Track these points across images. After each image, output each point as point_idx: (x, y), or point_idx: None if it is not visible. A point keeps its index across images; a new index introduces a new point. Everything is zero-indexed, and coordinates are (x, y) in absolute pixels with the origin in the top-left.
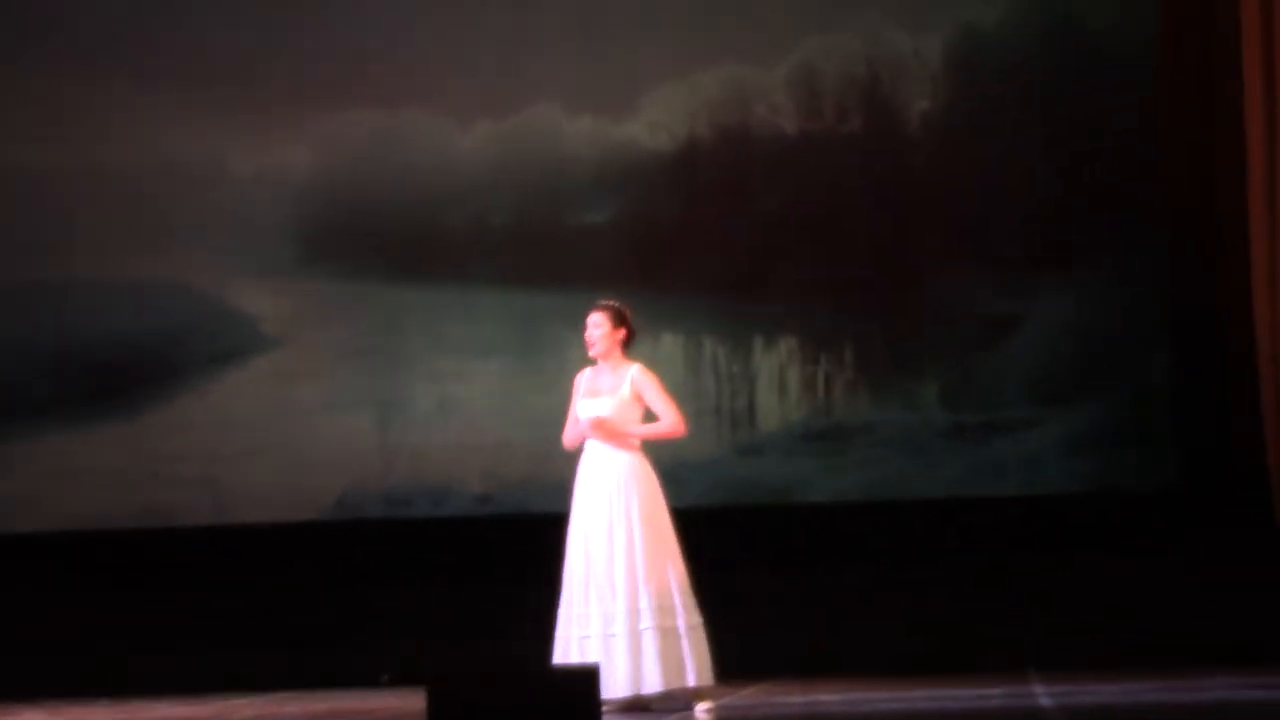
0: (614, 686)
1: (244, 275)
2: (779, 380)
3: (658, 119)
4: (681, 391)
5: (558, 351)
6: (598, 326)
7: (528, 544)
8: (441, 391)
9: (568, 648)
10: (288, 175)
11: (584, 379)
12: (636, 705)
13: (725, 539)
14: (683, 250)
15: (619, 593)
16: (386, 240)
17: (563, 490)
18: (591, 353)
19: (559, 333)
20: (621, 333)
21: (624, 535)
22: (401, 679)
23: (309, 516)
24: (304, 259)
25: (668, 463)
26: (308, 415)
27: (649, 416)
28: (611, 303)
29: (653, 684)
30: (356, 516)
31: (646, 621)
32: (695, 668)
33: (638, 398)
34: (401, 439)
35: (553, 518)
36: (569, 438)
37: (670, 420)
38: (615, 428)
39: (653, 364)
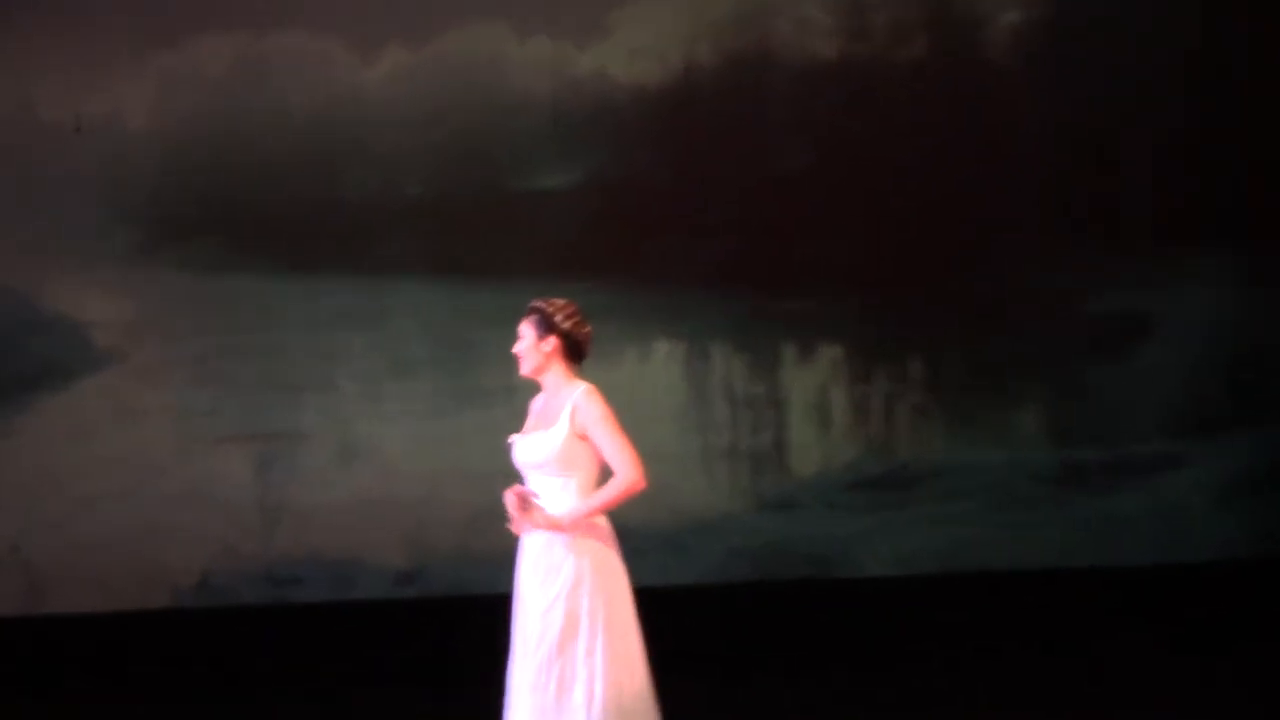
0: None
1: (64, 268)
2: (818, 406)
3: (640, 43)
4: (682, 423)
5: (502, 368)
6: (520, 338)
7: (463, 636)
8: (343, 425)
9: None
10: (121, 128)
11: (534, 407)
12: None
13: (743, 628)
14: (678, 224)
15: (548, 708)
16: (260, 217)
17: (509, 563)
18: (520, 372)
19: (504, 342)
20: (551, 343)
21: (558, 632)
22: None
23: (161, 603)
24: (146, 245)
25: (663, 521)
26: (157, 461)
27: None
28: (537, 304)
29: None
30: (227, 602)
31: None
32: None
33: (582, 436)
34: (288, 492)
35: (494, 601)
36: None
37: (623, 475)
38: (533, 512)
39: (641, 383)
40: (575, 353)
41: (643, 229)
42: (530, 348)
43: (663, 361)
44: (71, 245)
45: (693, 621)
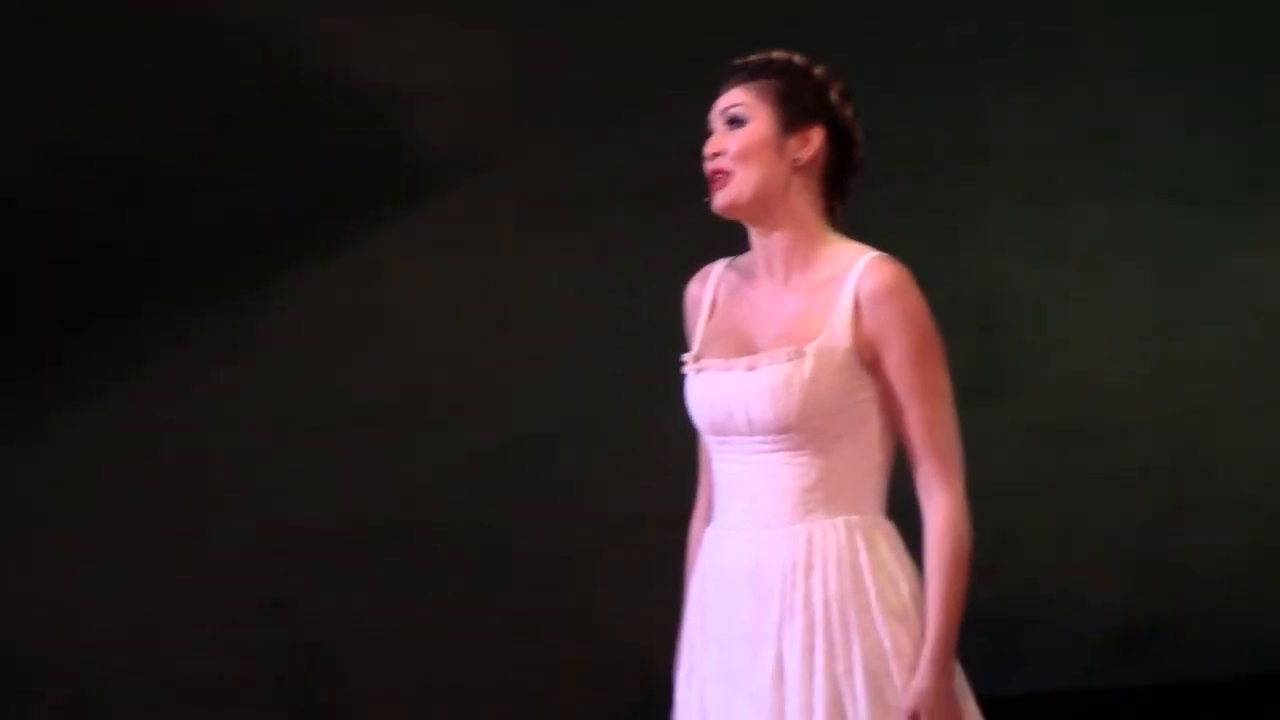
0: None
1: None
2: None
3: None
4: None
5: None
6: (732, 121)
7: None
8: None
9: None
10: None
11: (705, 296)
12: None
13: None
14: None
15: None
16: None
17: None
18: (720, 200)
19: None
20: (815, 139)
21: None
22: None
23: None
24: None
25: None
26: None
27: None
28: (781, 55)
29: None
30: None
31: None
32: None
33: (872, 354)
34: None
35: None
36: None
37: (943, 493)
38: None
39: None
40: (841, 178)
41: None
42: (760, 143)
43: None
44: None
45: None
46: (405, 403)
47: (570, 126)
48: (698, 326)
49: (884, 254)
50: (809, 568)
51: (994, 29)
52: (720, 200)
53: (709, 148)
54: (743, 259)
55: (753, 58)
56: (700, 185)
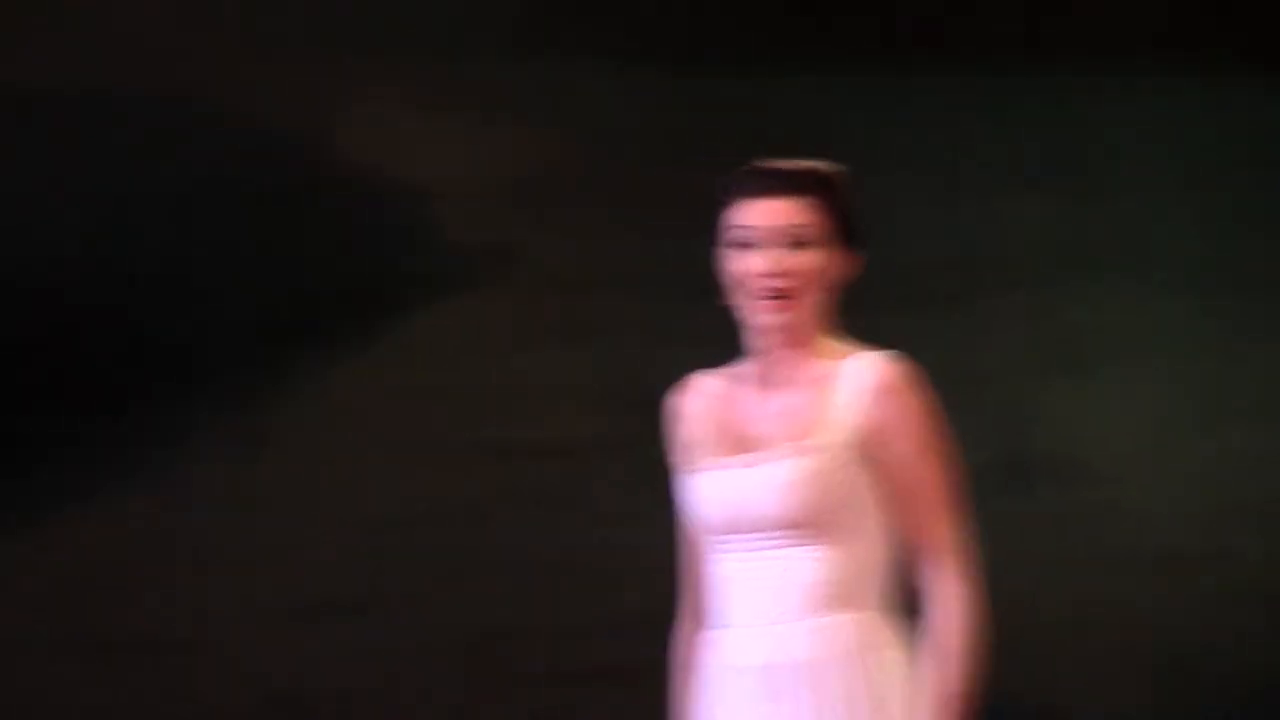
0: None
1: (366, 81)
2: None
3: None
4: None
5: None
6: (796, 239)
7: None
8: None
9: None
10: None
11: (690, 405)
12: None
13: None
14: None
15: None
16: None
17: None
18: (783, 317)
19: None
20: (853, 264)
21: None
22: None
23: None
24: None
25: None
26: None
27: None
28: (828, 169)
29: None
30: None
31: None
32: None
33: (878, 450)
34: None
35: None
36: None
37: (951, 583)
38: None
39: None
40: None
41: None
42: (823, 270)
43: None
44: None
45: None
46: (429, 496)
47: (593, 220)
48: (693, 433)
49: (889, 351)
50: (822, 664)
51: (1010, 135)
52: (784, 319)
53: (770, 264)
54: (729, 369)
55: (794, 167)
56: (707, 274)
